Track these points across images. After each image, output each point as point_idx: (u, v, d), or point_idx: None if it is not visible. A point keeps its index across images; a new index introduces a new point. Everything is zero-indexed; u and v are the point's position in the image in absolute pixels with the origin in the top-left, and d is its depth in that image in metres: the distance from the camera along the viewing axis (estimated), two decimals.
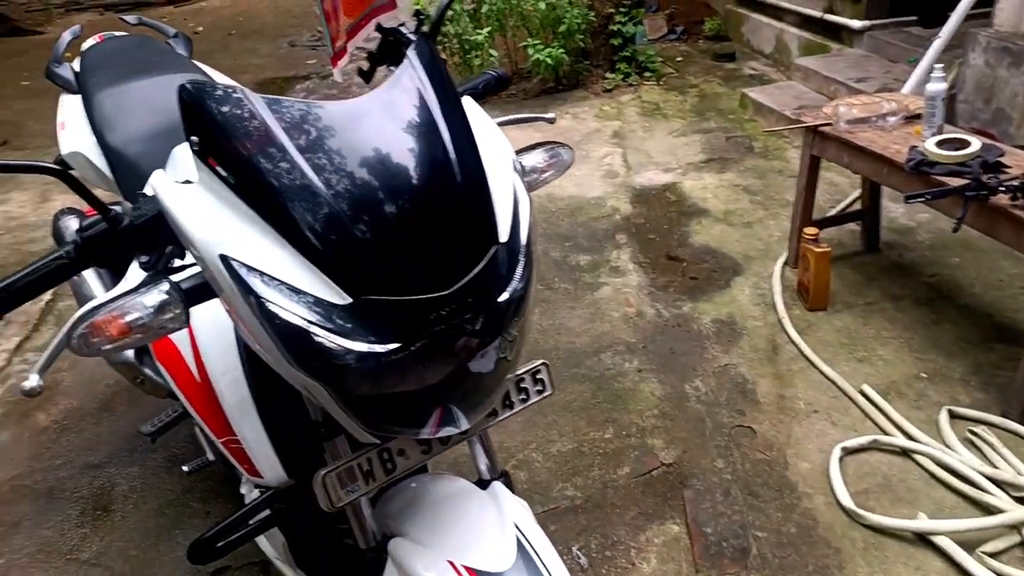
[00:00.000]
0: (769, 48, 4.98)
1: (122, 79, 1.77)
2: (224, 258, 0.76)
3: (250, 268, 0.76)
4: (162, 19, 6.92)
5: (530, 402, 1.04)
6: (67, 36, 1.95)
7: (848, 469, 1.98)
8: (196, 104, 0.80)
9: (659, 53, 5.04)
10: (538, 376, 1.05)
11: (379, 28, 1.12)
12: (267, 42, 7.06)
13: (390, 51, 1.12)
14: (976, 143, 2.11)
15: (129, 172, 1.66)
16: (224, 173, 0.79)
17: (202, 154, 0.80)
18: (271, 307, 0.76)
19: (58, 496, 2.11)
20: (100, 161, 1.73)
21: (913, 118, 2.43)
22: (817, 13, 4.46)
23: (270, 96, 0.81)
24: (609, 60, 4.90)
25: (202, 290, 0.84)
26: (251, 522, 1.19)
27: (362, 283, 0.76)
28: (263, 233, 0.77)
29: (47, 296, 3.05)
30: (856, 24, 4.18)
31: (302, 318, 0.76)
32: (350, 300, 0.76)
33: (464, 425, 0.88)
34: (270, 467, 1.05)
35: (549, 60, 4.41)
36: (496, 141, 0.93)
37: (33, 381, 0.86)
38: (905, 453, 2.01)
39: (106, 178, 1.76)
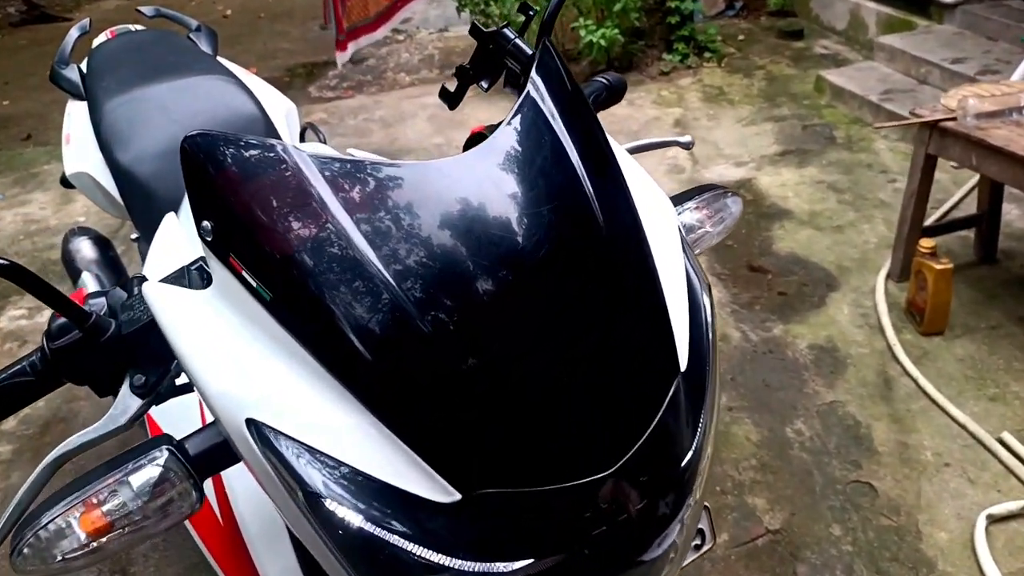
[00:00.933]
0: (842, 24, 4.55)
1: (135, 84, 1.48)
2: (255, 425, 0.47)
3: (300, 444, 0.46)
4: (191, 2, 6.66)
5: (687, 562, 0.73)
6: (74, 32, 1.67)
7: (996, 542, 1.64)
8: (209, 166, 0.51)
9: (718, 31, 4.63)
10: (698, 526, 0.74)
11: (474, 32, 0.81)
12: (297, 25, 6.76)
13: (486, 63, 0.81)
14: None
15: (142, 197, 1.38)
16: (254, 283, 0.49)
17: (218, 249, 0.51)
18: (331, 507, 0.46)
19: None
20: (108, 183, 1.45)
21: None
22: None
23: (328, 156, 0.51)
24: (665, 40, 4.52)
25: (218, 456, 0.55)
26: None
27: (479, 470, 0.47)
28: (315, 384, 0.48)
29: (44, 316, 2.81)
30: None
31: (382, 525, 0.46)
32: (458, 496, 0.47)
33: None
34: None
35: (603, 42, 4.05)
36: (651, 197, 0.61)
37: None
38: None
39: (116, 203, 1.48)
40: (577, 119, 0.55)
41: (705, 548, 0.76)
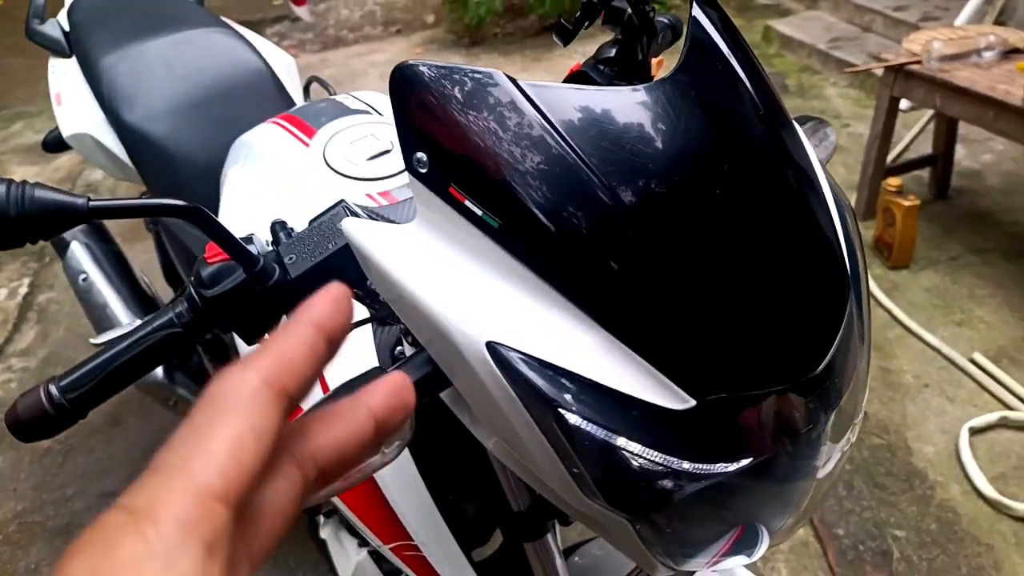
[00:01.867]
0: None
1: (131, 39, 1.41)
2: (496, 348, 0.48)
3: (542, 364, 0.48)
4: None
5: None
6: None
7: (978, 451, 1.79)
8: (426, 99, 0.50)
9: None
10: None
11: None
12: None
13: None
14: None
15: (153, 157, 1.32)
16: (480, 212, 0.49)
17: (434, 180, 0.51)
18: (575, 421, 0.48)
19: (76, 533, 1.81)
20: (114, 144, 1.39)
21: (1012, 52, 2.19)
22: None
23: (533, 83, 0.51)
24: None
25: (431, 382, 0.55)
26: None
27: (712, 377, 0.49)
28: (548, 304, 0.48)
29: (24, 289, 2.67)
30: None
31: (620, 432, 0.48)
32: (692, 403, 0.49)
33: (763, 550, 0.62)
34: None
35: None
36: (804, 138, 0.64)
37: None
38: None
39: (122, 164, 1.42)
40: (740, 50, 0.57)
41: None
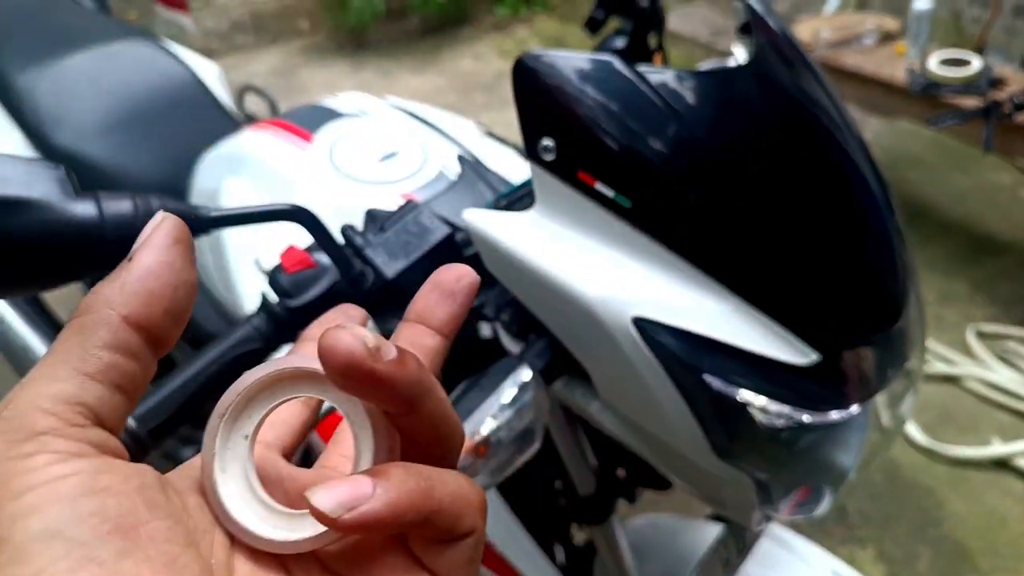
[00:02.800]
0: None
1: (48, 55, 1.27)
2: (641, 323, 0.50)
3: (685, 333, 0.50)
4: None
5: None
6: None
7: None
8: (550, 88, 0.50)
9: None
10: None
11: None
12: None
13: None
14: (977, 61, 2.10)
15: (92, 179, 1.21)
16: (611, 194, 0.50)
17: (562, 166, 0.51)
18: (716, 383, 0.51)
19: None
20: None
21: (887, 38, 2.40)
22: None
23: (655, 68, 0.52)
24: None
25: (555, 368, 0.57)
26: None
27: (834, 331, 0.53)
28: (682, 278, 0.52)
29: None
30: None
31: (756, 390, 0.51)
32: (817, 357, 0.52)
33: (825, 508, 0.67)
34: (539, 569, 0.79)
35: None
36: None
37: None
38: (950, 379, 2.02)
39: None
40: (790, 43, 0.61)
41: None
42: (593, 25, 0.88)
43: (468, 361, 0.78)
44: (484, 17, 4.55)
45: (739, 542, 0.84)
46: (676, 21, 3.99)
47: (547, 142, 0.51)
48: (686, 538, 0.92)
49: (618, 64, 0.51)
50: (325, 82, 4.02)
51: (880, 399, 0.58)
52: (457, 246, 0.60)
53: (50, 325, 1.43)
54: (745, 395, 0.51)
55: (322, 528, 0.23)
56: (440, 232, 0.58)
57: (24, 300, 1.48)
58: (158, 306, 0.23)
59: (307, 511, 0.22)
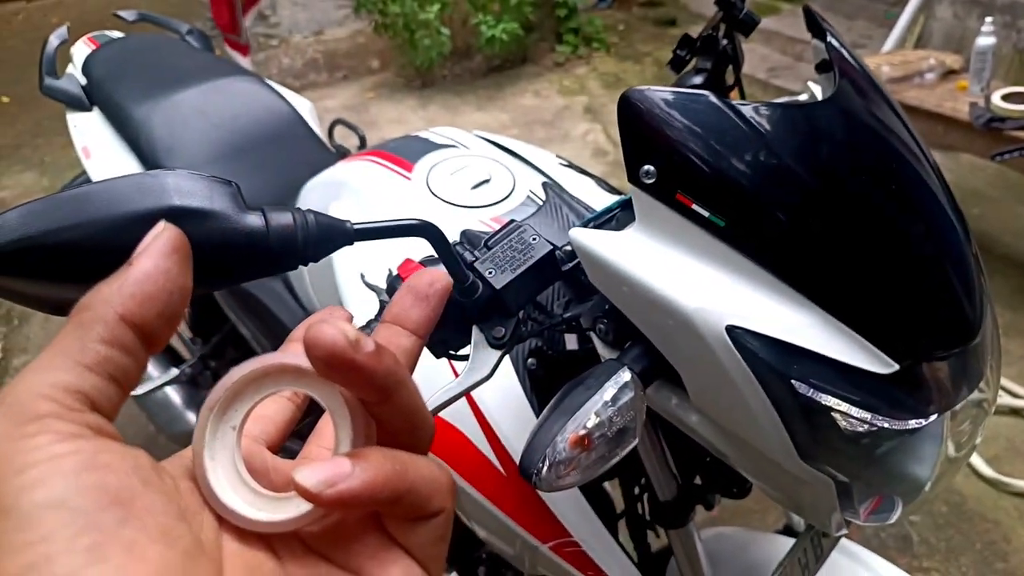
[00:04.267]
0: (711, 11, 4.94)
1: (161, 90, 1.42)
2: (734, 331, 0.55)
3: (775, 341, 0.55)
4: (17, 16, 6.04)
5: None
6: (54, 41, 1.55)
7: None
8: (651, 119, 0.57)
9: (602, 23, 4.89)
10: None
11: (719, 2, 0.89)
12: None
13: (729, 27, 0.89)
14: None
15: None
16: (706, 214, 0.56)
17: (661, 190, 0.57)
18: (802, 388, 0.55)
19: None
20: None
21: (949, 73, 2.42)
22: None
23: (746, 102, 0.59)
24: (555, 33, 4.72)
25: (650, 372, 0.62)
26: None
27: (910, 343, 0.57)
28: (771, 291, 0.56)
29: None
30: None
31: (840, 397, 0.56)
32: (896, 367, 0.57)
33: (896, 515, 0.70)
34: (622, 570, 0.83)
35: (504, 36, 4.17)
36: None
37: None
38: (1016, 412, 1.99)
39: None
40: (862, 72, 0.67)
41: None
42: (676, 63, 0.95)
43: (556, 372, 0.84)
44: (545, 56, 4.70)
45: (816, 550, 0.87)
46: None
47: (648, 168, 0.57)
48: (758, 549, 0.96)
49: (713, 98, 0.57)
50: (394, 117, 4.20)
51: (950, 419, 0.62)
52: (557, 262, 0.64)
53: None
54: (829, 400, 0.55)
55: (304, 509, 0.25)
56: (543, 249, 0.63)
57: None
58: (152, 308, 0.24)
59: (291, 495, 0.25)
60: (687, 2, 5.16)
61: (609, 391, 0.58)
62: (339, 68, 5.15)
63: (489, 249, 0.67)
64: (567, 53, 4.62)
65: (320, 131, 1.63)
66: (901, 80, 2.40)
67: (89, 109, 1.51)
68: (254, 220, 0.49)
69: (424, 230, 0.58)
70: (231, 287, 0.51)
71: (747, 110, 0.58)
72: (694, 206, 0.56)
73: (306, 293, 1.22)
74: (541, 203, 0.97)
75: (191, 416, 1.59)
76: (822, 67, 0.69)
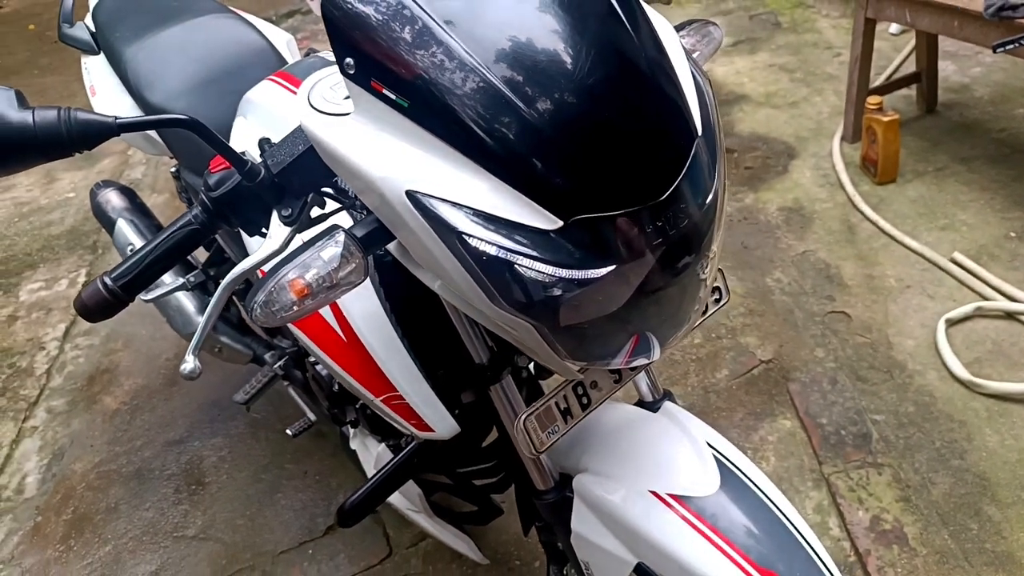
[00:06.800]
0: None
1: (148, 30, 1.61)
2: (412, 194, 0.66)
3: (446, 202, 0.65)
4: None
5: (710, 313, 0.95)
6: None
7: (955, 340, 1.91)
8: (348, 18, 0.67)
9: None
10: (715, 283, 0.95)
11: None
12: None
13: None
14: None
15: (175, 130, 1.53)
16: (393, 96, 0.67)
17: (361, 78, 0.69)
18: (475, 243, 0.65)
19: (148, 477, 2.06)
20: None
21: None
22: None
23: None
24: None
25: (376, 236, 0.74)
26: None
27: (573, 202, 0.66)
28: (450, 160, 0.66)
29: (82, 278, 2.95)
30: None
31: (511, 250, 0.65)
32: (560, 223, 0.66)
33: (657, 353, 0.79)
34: (440, 420, 0.97)
35: None
36: (662, 24, 0.80)
37: (190, 364, 0.78)
38: (1011, 316, 1.94)
39: (152, 140, 1.63)
40: None
41: (723, 302, 0.97)
42: None
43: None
44: None
45: (581, 399, 0.93)
46: None
47: (349, 60, 0.68)
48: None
49: None
50: None
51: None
52: None
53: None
54: (499, 252, 0.65)
55: None
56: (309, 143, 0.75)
57: (152, 235, 1.86)
58: None
59: None
60: None
61: (328, 250, 0.71)
62: None
63: (282, 145, 0.81)
64: None
65: (295, 59, 1.79)
66: None
67: (97, 53, 1.73)
68: (23, 116, 0.66)
69: (190, 124, 0.72)
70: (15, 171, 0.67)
71: (435, 5, 0.67)
72: (384, 91, 0.67)
73: None
74: None
75: (200, 319, 1.85)
76: None
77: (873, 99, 2.42)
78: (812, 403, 1.85)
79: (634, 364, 0.80)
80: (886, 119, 2.36)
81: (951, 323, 1.94)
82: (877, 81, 2.89)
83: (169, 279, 1.84)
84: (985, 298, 1.99)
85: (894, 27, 3.25)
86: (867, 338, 1.98)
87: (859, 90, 2.57)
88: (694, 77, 0.78)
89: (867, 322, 2.02)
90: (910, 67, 2.87)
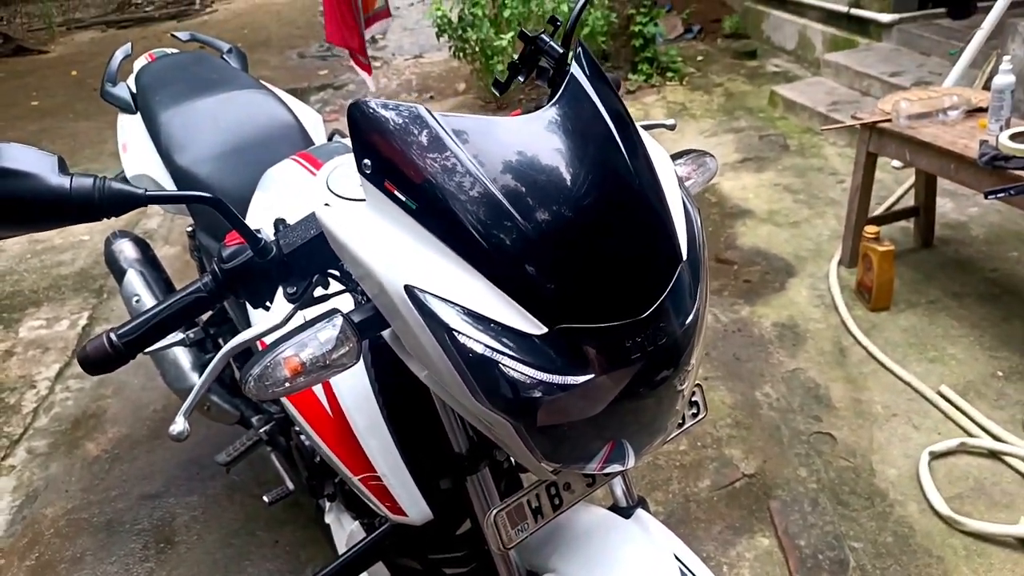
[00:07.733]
0: (792, 44, 4.93)
1: (185, 98, 1.71)
2: (410, 289, 0.70)
3: (440, 299, 0.70)
4: (165, 34, 6.82)
5: (686, 427, 0.97)
6: (119, 55, 1.89)
7: (937, 474, 1.92)
8: (370, 124, 0.74)
9: (678, 53, 4.99)
10: (693, 399, 0.99)
11: (522, 36, 1.05)
12: (275, 54, 7.01)
13: (530, 60, 1.05)
14: None
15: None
16: (403, 198, 0.73)
17: (375, 178, 0.74)
18: (463, 339, 0.69)
19: (118, 529, 2.04)
20: (167, 182, 1.67)
21: (976, 111, 2.38)
22: (843, 8, 4.41)
23: (446, 113, 0.75)
24: (630, 62, 4.85)
25: (373, 323, 0.78)
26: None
27: (558, 311, 0.70)
28: (448, 261, 0.71)
29: (83, 320, 2.99)
30: (885, 18, 4.13)
31: (496, 350, 0.70)
32: (545, 330, 0.70)
33: (631, 461, 0.82)
34: (414, 504, 0.99)
35: None
36: (657, 152, 0.86)
37: (180, 425, 0.81)
38: (994, 455, 1.95)
39: None
40: (606, 91, 0.80)
41: (700, 416, 1.00)
42: (499, 87, 1.10)
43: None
44: (620, 84, 4.84)
45: (554, 500, 0.94)
46: (797, 91, 4.05)
47: (367, 160, 0.74)
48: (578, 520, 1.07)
49: (422, 110, 0.74)
50: None
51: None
52: None
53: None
54: (485, 350, 0.69)
55: None
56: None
57: (159, 288, 1.91)
58: None
59: None
60: (771, 34, 5.16)
61: (325, 332, 0.75)
62: (429, 89, 5.52)
63: (296, 226, 0.86)
64: (639, 81, 4.75)
65: (322, 138, 1.88)
66: (920, 116, 2.38)
67: (134, 112, 1.83)
68: (62, 181, 0.72)
69: (213, 203, 0.78)
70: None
71: (449, 120, 0.74)
72: (396, 192, 0.73)
73: None
74: None
75: (194, 377, 1.87)
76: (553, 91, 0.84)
77: (871, 228, 2.50)
78: (792, 523, 1.84)
79: (608, 470, 0.83)
80: (882, 249, 2.44)
81: (935, 456, 1.95)
82: (877, 211, 2.99)
83: (138, 281, 1.87)
84: (970, 434, 2.01)
85: (896, 162, 3.38)
86: (851, 462, 1.99)
87: (858, 218, 2.66)
88: (684, 204, 0.84)
89: (852, 446, 2.03)
90: (909, 200, 2.98)
